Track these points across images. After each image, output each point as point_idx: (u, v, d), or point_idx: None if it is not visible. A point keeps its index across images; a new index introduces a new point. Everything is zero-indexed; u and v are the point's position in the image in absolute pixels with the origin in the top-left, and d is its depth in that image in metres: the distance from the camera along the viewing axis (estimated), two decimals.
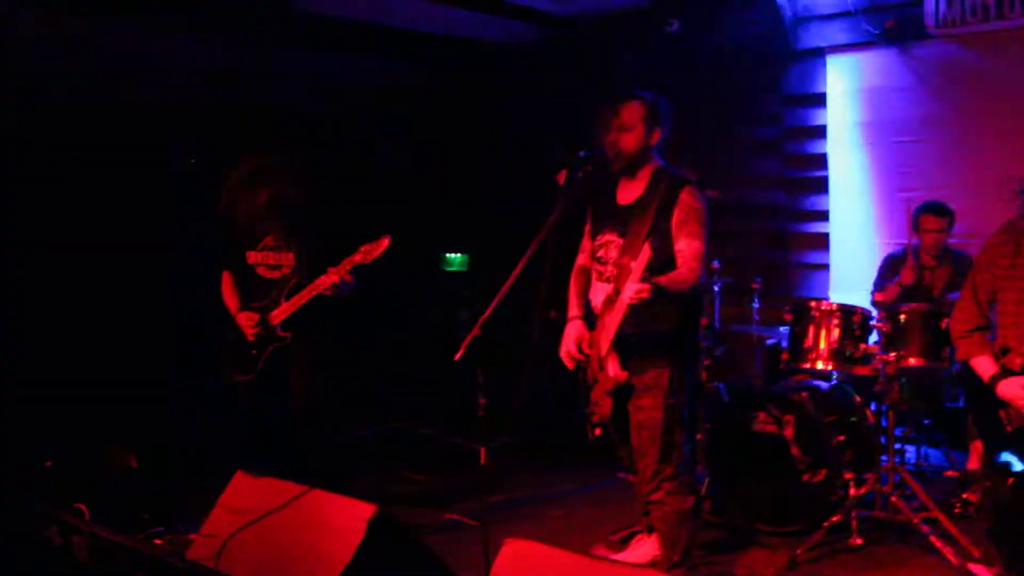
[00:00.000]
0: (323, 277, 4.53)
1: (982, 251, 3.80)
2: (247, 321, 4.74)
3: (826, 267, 6.93)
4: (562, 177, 3.74)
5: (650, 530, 4.53)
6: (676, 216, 3.84)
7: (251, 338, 4.74)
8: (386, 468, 6.30)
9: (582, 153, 3.82)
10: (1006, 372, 3.48)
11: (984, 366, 3.57)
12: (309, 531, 3.79)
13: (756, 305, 5.94)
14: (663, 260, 3.76)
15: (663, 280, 3.63)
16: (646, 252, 3.50)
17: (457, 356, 3.42)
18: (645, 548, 4.42)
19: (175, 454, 5.62)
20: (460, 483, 5.94)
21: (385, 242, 4.49)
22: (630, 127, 3.91)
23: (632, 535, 4.78)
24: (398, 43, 6.75)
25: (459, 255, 7.98)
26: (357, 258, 4.52)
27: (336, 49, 6.47)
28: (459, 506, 5.42)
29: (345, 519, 3.71)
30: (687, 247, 3.82)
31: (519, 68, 7.73)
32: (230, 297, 4.90)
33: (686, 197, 3.87)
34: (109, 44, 5.58)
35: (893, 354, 4.66)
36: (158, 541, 4.72)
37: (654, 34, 7.04)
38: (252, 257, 4.82)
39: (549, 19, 7.01)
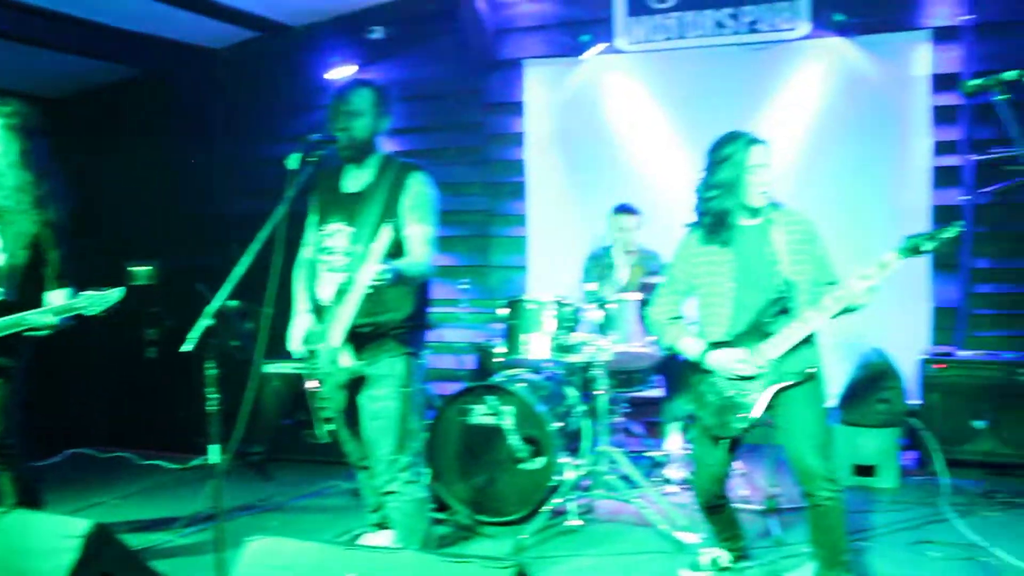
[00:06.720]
0: (36, 316, 3.86)
1: (678, 248, 4.03)
2: None
3: (524, 269, 7.19)
4: (293, 162, 3.58)
5: (377, 530, 4.46)
6: (406, 202, 3.83)
7: None
8: (81, 494, 5.75)
9: (315, 137, 3.68)
10: (713, 346, 3.78)
11: (691, 345, 3.86)
12: (14, 554, 3.37)
13: (464, 307, 6.14)
14: (395, 246, 3.72)
15: (400, 263, 3.60)
16: (385, 235, 3.44)
17: (190, 347, 3.16)
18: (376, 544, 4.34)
19: None
20: (163, 502, 5.59)
21: (114, 296, 3.84)
22: (360, 113, 3.85)
23: (355, 536, 4.69)
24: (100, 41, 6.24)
25: (145, 267, 7.37)
26: (79, 305, 3.85)
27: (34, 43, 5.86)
28: (170, 524, 5.09)
29: (55, 538, 3.34)
30: (418, 232, 3.81)
31: (222, 72, 7.44)
32: None
33: (416, 183, 3.86)
34: None
35: (605, 341, 4.92)
36: None
37: (359, 40, 7.04)
38: None
39: (260, 23, 6.77)
